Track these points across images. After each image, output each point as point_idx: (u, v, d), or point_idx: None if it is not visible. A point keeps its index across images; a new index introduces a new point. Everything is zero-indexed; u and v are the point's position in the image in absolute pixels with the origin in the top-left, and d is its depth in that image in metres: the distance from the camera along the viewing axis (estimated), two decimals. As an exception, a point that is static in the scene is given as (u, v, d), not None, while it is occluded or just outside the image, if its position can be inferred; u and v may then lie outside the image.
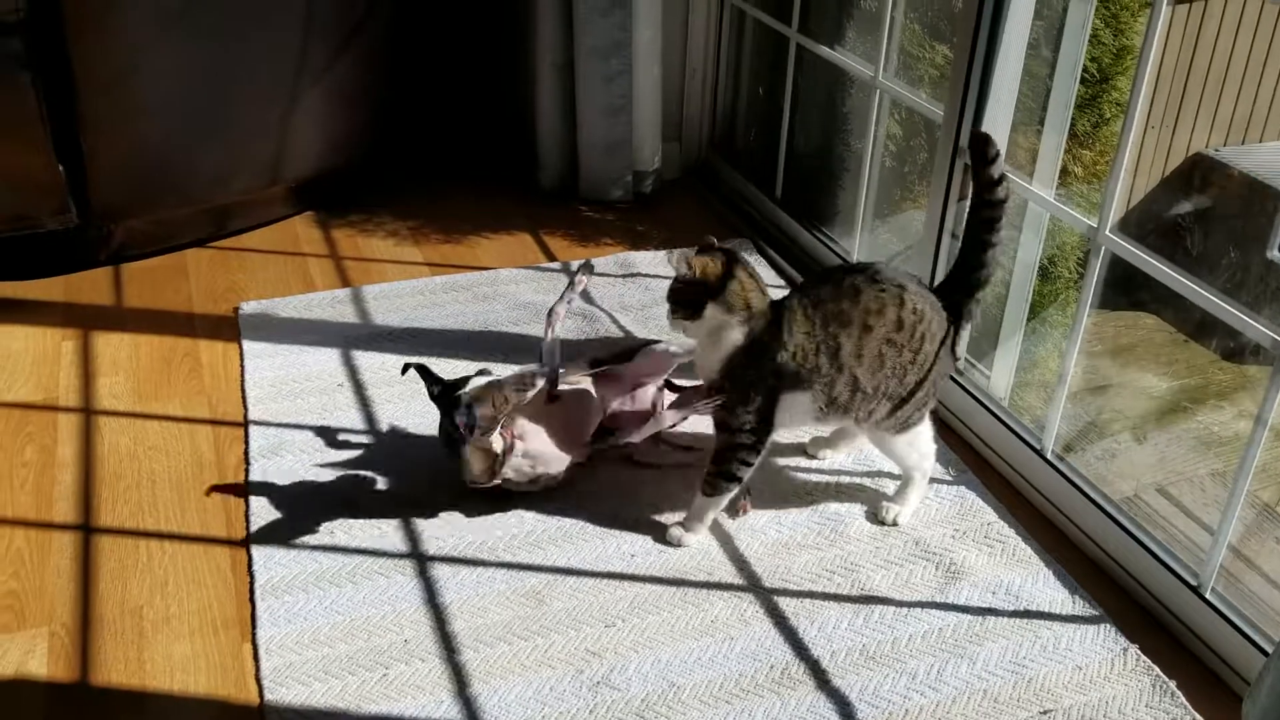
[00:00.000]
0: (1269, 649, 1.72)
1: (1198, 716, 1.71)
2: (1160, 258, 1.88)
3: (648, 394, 2.23)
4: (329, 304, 2.73)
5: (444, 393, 1.94)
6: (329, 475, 2.15)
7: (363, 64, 3.04)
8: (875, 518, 2.08)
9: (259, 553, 1.96)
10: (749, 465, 1.96)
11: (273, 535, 2.00)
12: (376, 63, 3.10)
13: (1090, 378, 3.51)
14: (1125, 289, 3.77)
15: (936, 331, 1.92)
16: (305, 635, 1.81)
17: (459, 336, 2.61)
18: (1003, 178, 1.90)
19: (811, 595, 1.91)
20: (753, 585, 1.93)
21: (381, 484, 2.13)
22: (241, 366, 2.47)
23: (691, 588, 1.92)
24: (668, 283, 1.93)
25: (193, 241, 2.97)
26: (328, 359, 2.50)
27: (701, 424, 2.15)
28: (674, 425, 2.05)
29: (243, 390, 2.39)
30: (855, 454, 2.23)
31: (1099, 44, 4.11)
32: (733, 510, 2.07)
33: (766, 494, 2.12)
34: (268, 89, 2.87)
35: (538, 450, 1.99)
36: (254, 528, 2.02)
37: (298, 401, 2.36)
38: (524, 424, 1.98)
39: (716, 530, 2.04)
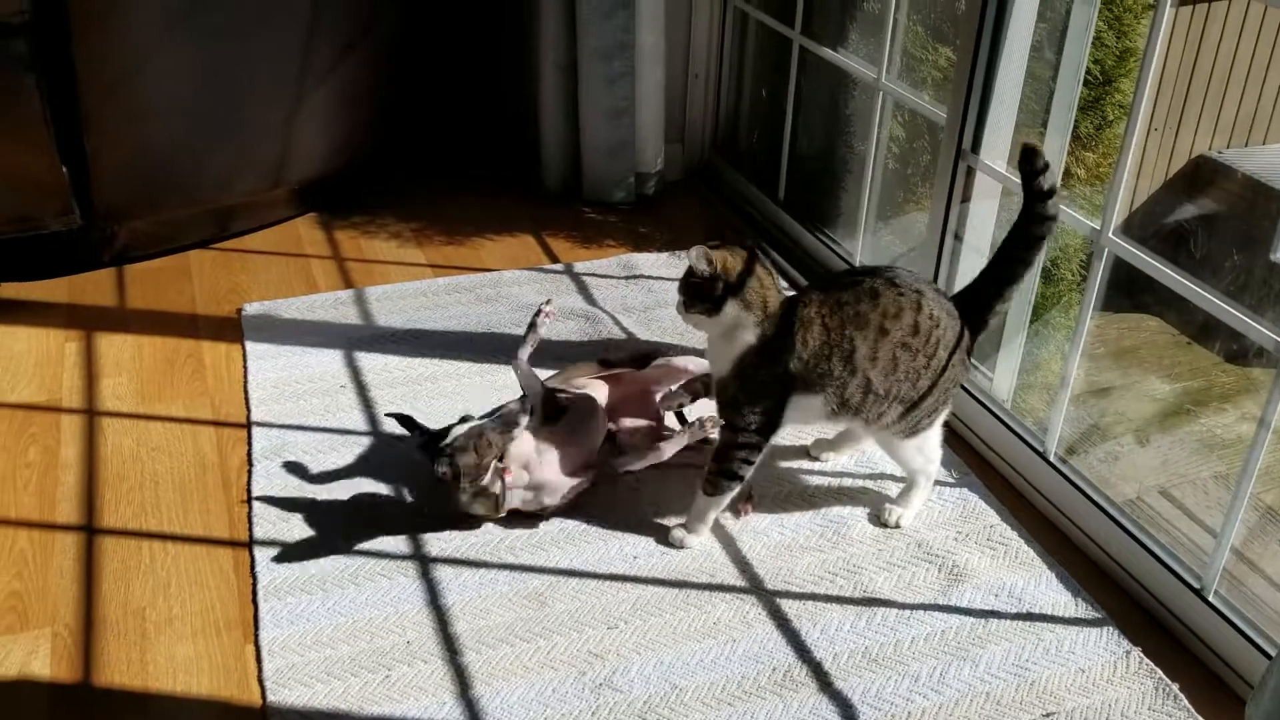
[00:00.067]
0: (1272, 652, 1.72)
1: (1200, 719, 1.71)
2: (1163, 260, 1.88)
3: (650, 403, 2.23)
4: (332, 305, 2.73)
5: (428, 443, 1.91)
6: (332, 476, 2.15)
7: (366, 66, 3.04)
8: (878, 520, 2.08)
9: (261, 554, 1.96)
10: (751, 464, 1.96)
11: (275, 536, 2.00)
12: (379, 64, 3.10)
13: (1093, 380, 3.51)
14: (1128, 291, 3.76)
15: (951, 338, 1.91)
16: (308, 637, 1.81)
17: (461, 338, 2.61)
18: (1053, 190, 1.86)
19: (814, 597, 1.91)
20: (755, 587, 1.93)
21: (384, 485, 2.13)
22: (244, 368, 2.47)
23: (694, 590, 1.92)
24: (670, 284, 1.92)
25: (196, 243, 2.97)
26: (330, 360, 2.51)
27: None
28: (672, 455, 2.02)
29: (246, 391, 2.39)
30: (858, 456, 2.23)
31: (1102, 46, 4.10)
32: (734, 511, 2.06)
33: (769, 496, 2.12)
34: (271, 90, 2.87)
35: (543, 479, 1.98)
36: (257, 529, 2.02)
37: (300, 403, 2.36)
38: (527, 452, 1.96)
39: (719, 532, 2.04)
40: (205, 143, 2.82)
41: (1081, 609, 1.90)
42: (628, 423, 2.20)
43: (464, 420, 1.92)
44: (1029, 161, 1.85)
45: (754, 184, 3.27)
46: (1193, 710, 1.72)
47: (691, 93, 3.40)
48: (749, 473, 1.97)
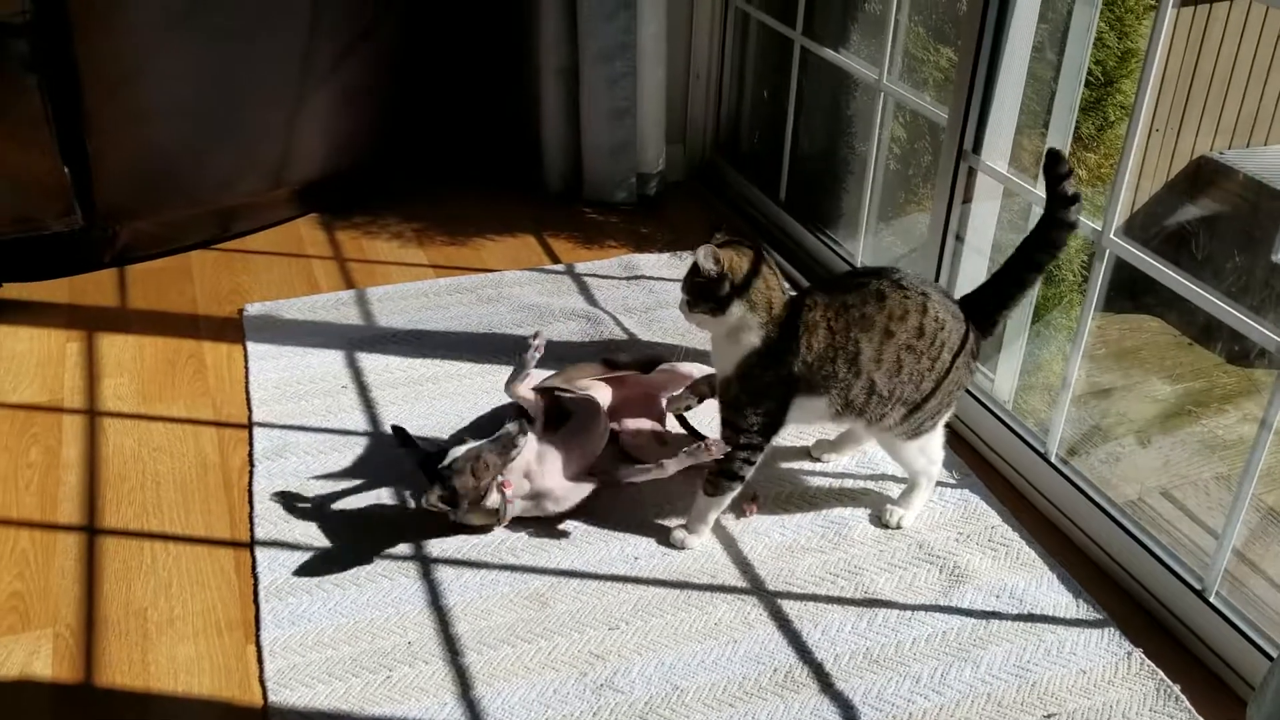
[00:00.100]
0: (1274, 653, 1.71)
1: (1202, 721, 1.71)
2: (1165, 261, 1.88)
3: (654, 408, 2.23)
4: (333, 306, 2.73)
5: (425, 463, 1.91)
6: (333, 477, 2.15)
7: (367, 66, 3.04)
8: (879, 521, 2.07)
9: (263, 554, 1.97)
10: (752, 464, 1.96)
11: (277, 537, 2.00)
12: (381, 65, 3.11)
13: (1094, 381, 3.50)
14: (1130, 292, 3.76)
15: (956, 341, 1.90)
16: (309, 637, 1.81)
17: (463, 338, 2.61)
18: (1077, 196, 1.86)
19: (815, 598, 1.91)
20: (756, 588, 1.93)
21: (385, 486, 2.13)
22: (246, 368, 2.47)
23: (695, 590, 1.92)
24: (672, 285, 1.92)
25: (198, 243, 2.97)
26: (332, 361, 2.51)
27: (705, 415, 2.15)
28: (673, 467, 2.00)
29: (247, 392, 2.39)
30: (859, 457, 2.23)
31: (1104, 47, 4.10)
32: (739, 512, 2.06)
33: (770, 497, 2.12)
34: (273, 91, 2.87)
35: (545, 487, 1.98)
36: (258, 529, 2.02)
37: (302, 403, 2.36)
38: (527, 460, 1.96)
39: (720, 533, 2.04)
40: (207, 143, 2.82)
41: (1083, 610, 1.90)
42: (630, 424, 2.20)
43: (460, 441, 1.91)
44: (1054, 165, 1.84)
45: (755, 185, 3.27)
46: (1194, 711, 1.72)
47: (693, 93, 3.40)
48: (750, 473, 1.97)
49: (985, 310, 1.95)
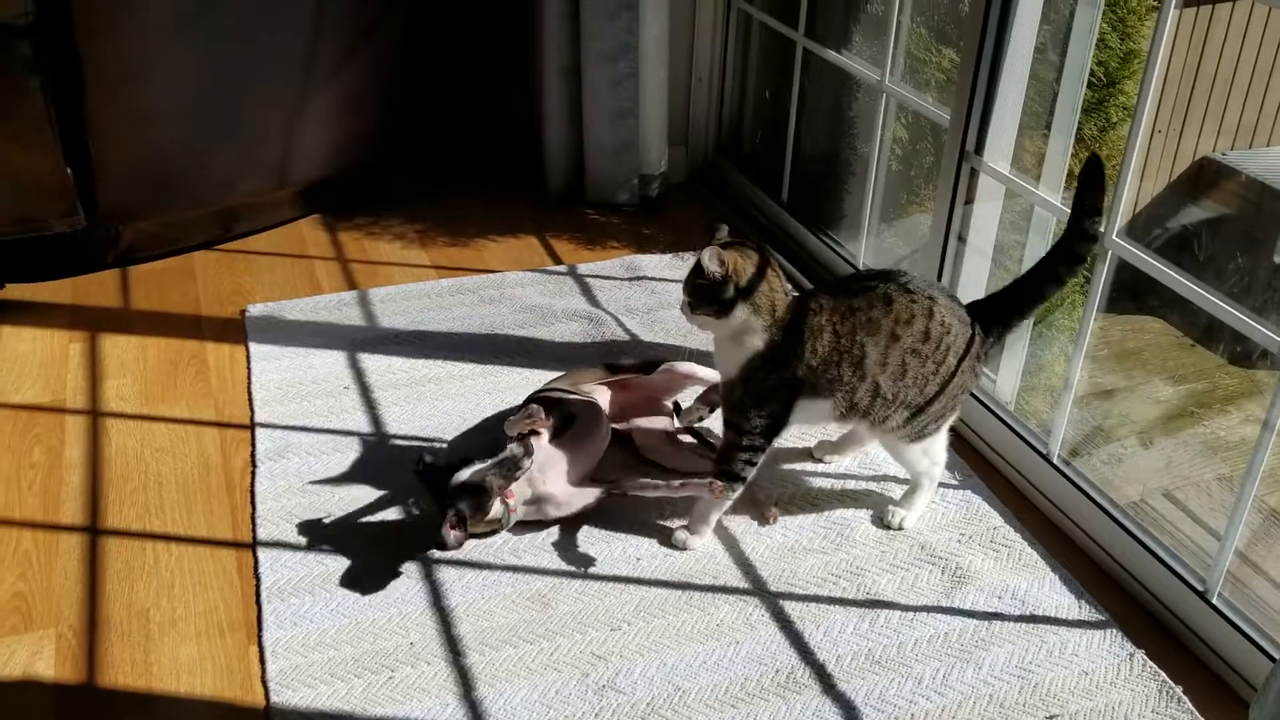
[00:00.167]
0: (1276, 654, 1.71)
1: (1204, 722, 1.71)
2: (1167, 262, 1.88)
3: (662, 409, 2.23)
4: (336, 306, 2.73)
5: (430, 484, 1.91)
6: (335, 478, 2.15)
7: (370, 68, 3.05)
8: (881, 522, 2.07)
9: (265, 555, 1.97)
10: (754, 465, 1.96)
11: (279, 538, 2.00)
12: (384, 67, 3.11)
13: (1096, 382, 3.50)
14: (1132, 293, 3.76)
15: (961, 345, 1.90)
16: (311, 638, 1.81)
17: (465, 339, 2.61)
18: (1101, 209, 1.84)
19: (817, 599, 1.91)
20: (758, 589, 1.93)
21: (388, 486, 2.13)
22: (248, 369, 2.47)
23: (697, 591, 1.92)
24: (674, 285, 1.91)
25: (200, 244, 2.98)
26: (334, 361, 2.51)
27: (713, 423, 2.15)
28: (678, 489, 2.00)
29: (249, 392, 2.39)
30: (861, 458, 2.23)
31: (1106, 48, 4.10)
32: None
33: (772, 498, 2.12)
34: (275, 92, 2.87)
35: (547, 492, 1.98)
36: (260, 530, 2.02)
37: (304, 404, 2.36)
38: (532, 466, 1.96)
39: (722, 534, 2.04)
40: (209, 144, 2.83)
41: (1085, 611, 1.90)
42: (643, 424, 2.20)
43: (466, 464, 1.90)
44: (1093, 174, 1.82)
45: (757, 186, 3.27)
46: (1196, 713, 1.72)
47: (695, 94, 3.40)
48: (751, 474, 1.97)
49: (996, 318, 1.95)
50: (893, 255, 2.95)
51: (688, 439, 2.25)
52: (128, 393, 2.40)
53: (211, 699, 1.72)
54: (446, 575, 1.93)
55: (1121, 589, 1.97)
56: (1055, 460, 2.13)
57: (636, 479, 2.02)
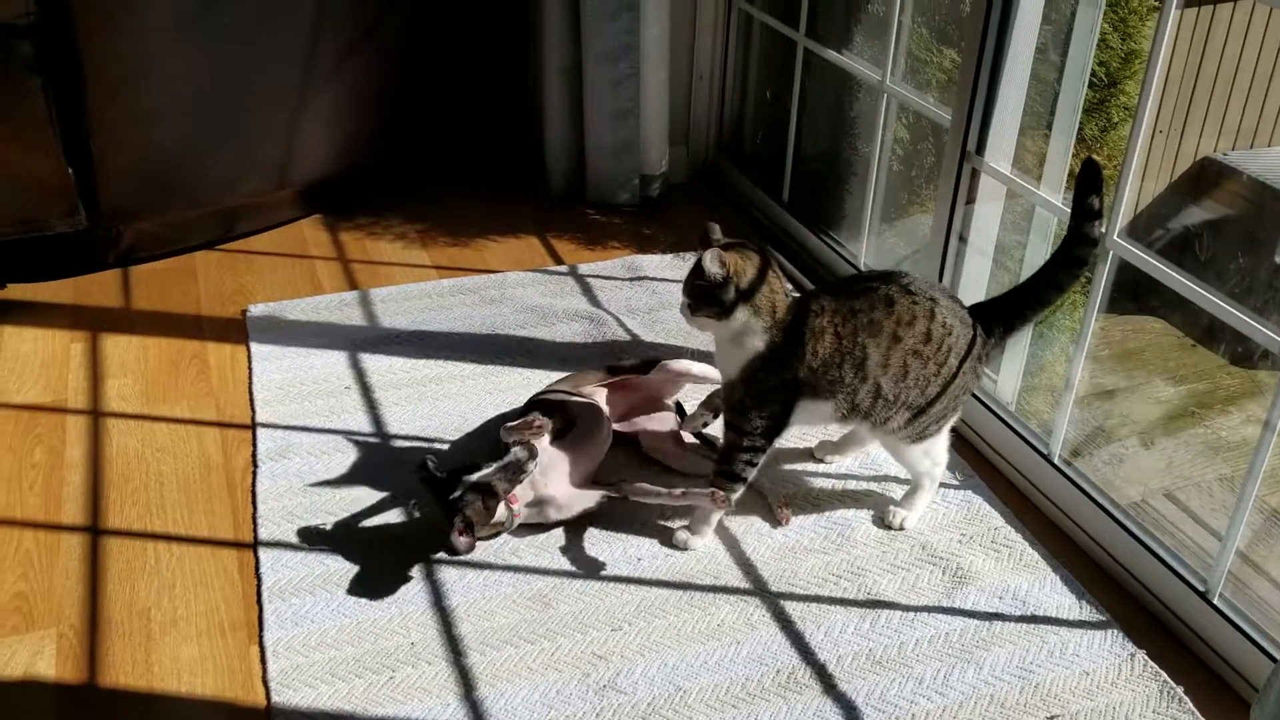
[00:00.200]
0: (1277, 655, 1.71)
1: (1205, 722, 1.71)
2: (1168, 262, 1.88)
3: (666, 412, 2.23)
4: (337, 306, 2.73)
5: (435, 491, 1.90)
6: (336, 478, 2.15)
7: (371, 68, 3.05)
8: (882, 522, 2.07)
9: (266, 555, 1.97)
10: (754, 466, 1.96)
11: (280, 538, 2.00)
12: (385, 67, 3.11)
13: (1097, 382, 3.50)
14: (1133, 293, 3.76)
15: (963, 346, 1.90)
16: (312, 638, 1.81)
17: (466, 339, 2.61)
18: (1100, 212, 1.85)
19: (818, 599, 1.91)
20: (759, 589, 1.93)
21: (389, 487, 2.13)
22: (249, 369, 2.47)
23: (698, 591, 1.92)
24: (675, 286, 1.91)
25: (201, 244, 2.98)
26: (335, 361, 2.51)
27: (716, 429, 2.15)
28: (680, 499, 2.00)
29: (250, 392, 2.39)
30: (862, 458, 2.23)
31: (1107, 48, 4.10)
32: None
33: (782, 499, 2.11)
34: (277, 93, 2.87)
35: (548, 494, 1.98)
36: (261, 530, 2.02)
37: (305, 404, 2.36)
38: (534, 471, 1.97)
39: (723, 534, 2.04)
40: (210, 144, 2.83)
41: (1086, 612, 1.90)
42: (650, 426, 2.20)
43: (470, 468, 1.90)
44: (1091, 177, 1.83)
45: (758, 186, 3.27)
46: (1197, 713, 1.72)
47: (696, 95, 3.41)
48: (752, 474, 1.97)
49: (999, 319, 1.94)
50: (894, 255, 2.95)
51: (690, 439, 2.25)
52: (129, 393, 2.40)
53: (213, 699, 1.72)
54: (447, 575, 1.94)
55: (1122, 589, 1.97)
56: (1056, 460, 2.13)
57: (639, 484, 2.02)
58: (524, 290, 2.83)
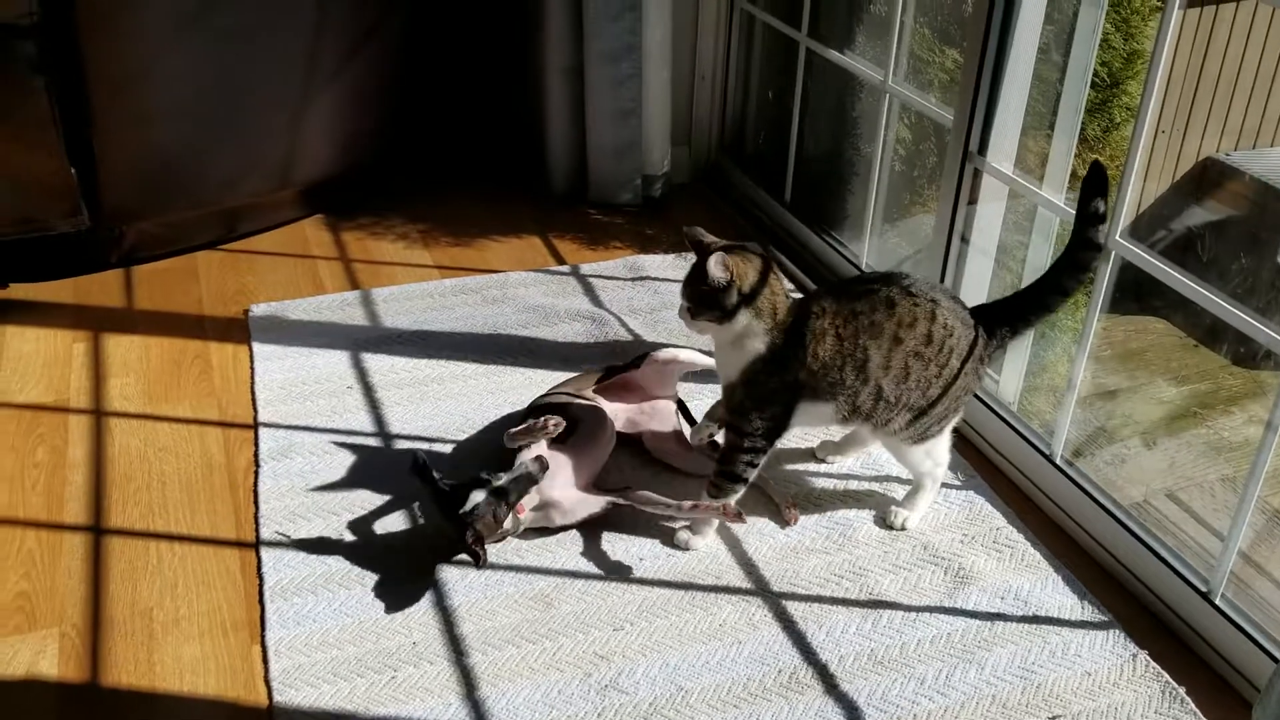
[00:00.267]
0: (1279, 655, 1.71)
1: (1207, 723, 1.71)
2: (1170, 263, 1.88)
3: (668, 412, 2.23)
4: (339, 306, 2.73)
5: (442, 505, 1.90)
6: (338, 477, 2.15)
7: (373, 68, 3.05)
8: (884, 522, 2.07)
9: (268, 555, 1.97)
10: (755, 467, 1.96)
11: (282, 537, 2.01)
12: (386, 67, 3.11)
13: (1099, 383, 3.50)
14: (1135, 294, 3.75)
15: (965, 347, 1.90)
16: (314, 637, 1.81)
17: (468, 339, 2.61)
18: (1103, 217, 1.85)
19: (820, 600, 1.91)
20: (761, 589, 1.93)
21: (390, 486, 2.13)
22: (251, 369, 2.47)
23: (699, 591, 1.92)
24: (677, 286, 1.90)
25: (203, 244, 2.98)
26: (337, 361, 2.51)
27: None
28: (689, 512, 1.99)
29: (253, 392, 2.40)
30: (864, 459, 2.23)
31: (1109, 48, 4.10)
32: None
33: (788, 499, 2.11)
34: (278, 93, 2.88)
35: (552, 498, 1.97)
36: (263, 530, 2.02)
37: (307, 404, 2.36)
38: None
39: (724, 534, 2.04)
40: (212, 144, 2.83)
41: (1088, 612, 1.90)
42: (653, 427, 2.20)
43: (479, 481, 1.89)
44: (1097, 179, 1.82)
45: (760, 186, 3.27)
46: (1199, 713, 1.72)
47: (698, 95, 3.41)
48: (753, 475, 1.97)
49: (1002, 321, 1.94)
50: (896, 255, 2.95)
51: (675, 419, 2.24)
52: (131, 392, 2.40)
53: (215, 698, 1.72)
54: (449, 575, 1.94)
55: (1124, 590, 1.97)
56: (1058, 461, 2.13)
57: (646, 493, 2.01)
58: (526, 290, 2.84)
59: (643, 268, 2.95)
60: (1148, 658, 1.81)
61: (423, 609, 1.87)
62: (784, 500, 2.09)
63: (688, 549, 2.00)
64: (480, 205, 3.27)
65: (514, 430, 1.98)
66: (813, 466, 2.22)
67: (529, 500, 1.94)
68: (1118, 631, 1.86)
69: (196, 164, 2.84)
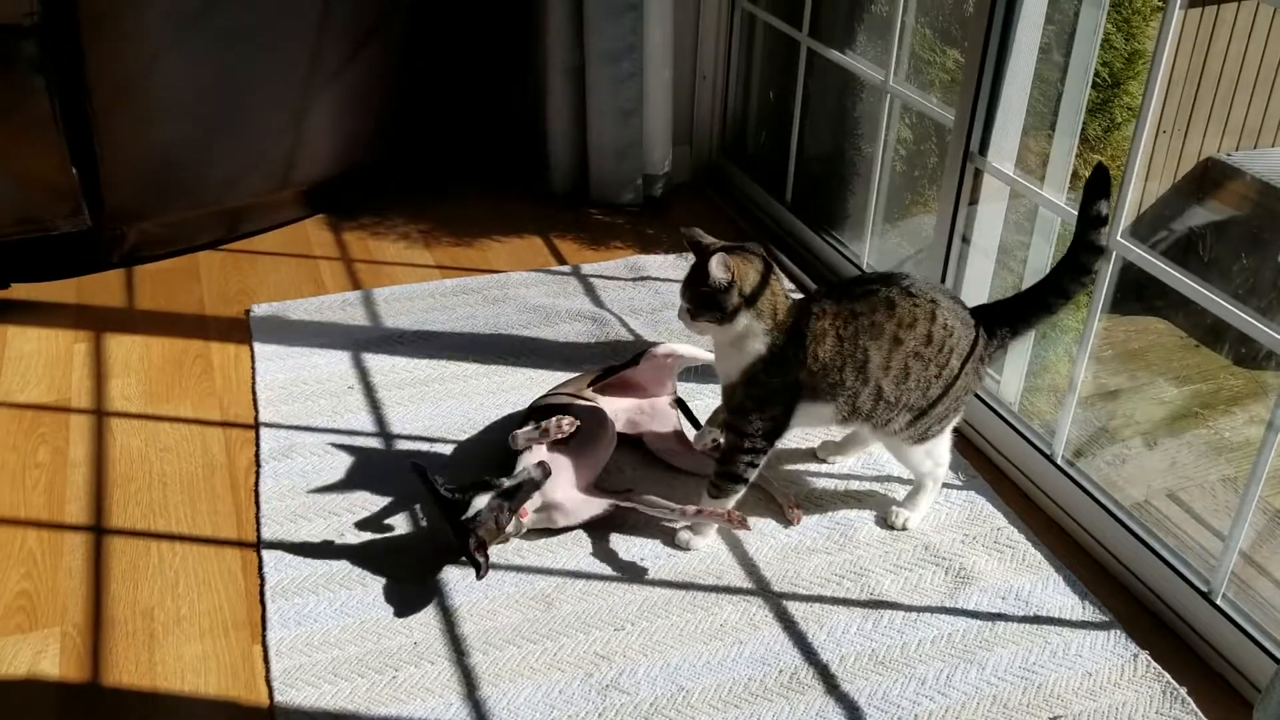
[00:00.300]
0: (1280, 656, 1.71)
1: (1208, 723, 1.71)
2: (1172, 263, 1.88)
3: (668, 411, 2.23)
4: (340, 306, 2.74)
5: (446, 513, 1.89)
6: (339, 477, 2.16)
7: (374, 68, 3.05)
8: (885, 522, 2.07)
9: (269, 554, 1.97)
10: (755, 468, 1.96)
11: (283, 537, 2.01)
12: (387, 66, 3.11)
13: (1100, 383, 3.50)
14: (1136, 294, 3.75)
15: (965, 347, 1.90)
16: (315, 637, 1.81)
17: (469, 339, 2.61)
18: (1105, 220, 1.85)
19: (821, 600, 1.91)
20: (762, 589, 1.93)
21: (391, 486, 2.13)
22: (253, 369, 2.47)
23: (700, 591, 1.92)
24: (678, 286, 1.90)
25: (205, 244, 2.98)
26: (339, 361, 2.51)
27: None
28: (693, 517, 1.99)
29: (254, 392, 2.40)
30: (865, 459, 2.23)
31: (1111, 48, 4.10)
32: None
33: (790, 498, 2.12)
34: (279, 93, 2.88)
35: (555, 500, 1.97)
36: (264, 529, 2.02)
37: (309, 404, 2.36)
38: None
39: (725, 534, 2.04)
40: (214, 144, 2.83)
41: (1089, 612, 1.90)
42: (654, 427, 2.20)
43: (481, 486, 1.89)
44: (1100, 182, 1.82)
45: (762, 186, 3.27)
46: (1200, 714, 1.72)
47: (699, 95, 3.41)
48: (753, 475, 1.97)
49: (1003, 321, 1.94)
50: (897, 256, 2.95)
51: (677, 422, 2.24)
52: (132, 392, 2.40)
53: (216, 698, 1.72)
54: (450, 575, 1.94)
55: (1125, 590, 1.97)
56: (1059, 461, 2.13)
57: (650, 497, 2.01)
58: (527, 290, 2.84)
59: (644, 268, 2.95)
60: (1149, 658, 1.81)
61: (424, 609, 1.87)
62: (787, 500, 2.09)
63: (689, 549, 2.01)
64: (481, 205, 3.27)
65: (523, 432, 1.98)
66: (814, 466, 2.22)
67: (531, 503, 1.94)
68: (1119, 632, 1.86)
69: (198, 164, 2.84)
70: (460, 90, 3.52)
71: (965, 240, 2.34)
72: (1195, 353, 3.98)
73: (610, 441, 2.10)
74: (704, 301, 1.84)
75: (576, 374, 2.29)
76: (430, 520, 2.05)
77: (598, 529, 2.03)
